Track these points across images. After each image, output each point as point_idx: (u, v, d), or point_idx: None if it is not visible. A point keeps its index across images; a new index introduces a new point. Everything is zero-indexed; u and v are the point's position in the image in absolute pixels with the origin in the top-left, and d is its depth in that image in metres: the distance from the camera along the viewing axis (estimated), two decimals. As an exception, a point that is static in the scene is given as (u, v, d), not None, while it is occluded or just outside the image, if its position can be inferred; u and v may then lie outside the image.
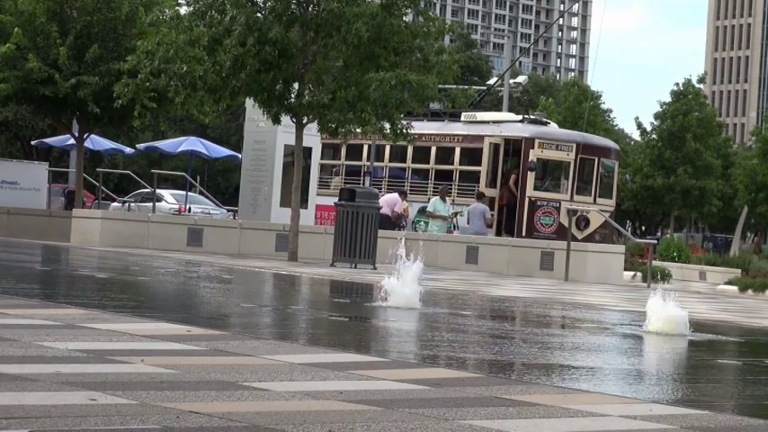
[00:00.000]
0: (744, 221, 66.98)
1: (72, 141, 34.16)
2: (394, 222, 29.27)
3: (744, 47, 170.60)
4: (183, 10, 25.08)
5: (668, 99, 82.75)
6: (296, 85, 23.99)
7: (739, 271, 36.53)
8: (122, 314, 9.41)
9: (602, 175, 34.82)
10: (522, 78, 60.53)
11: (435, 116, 35.82)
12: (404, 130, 24.31)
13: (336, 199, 23.66)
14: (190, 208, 36.94)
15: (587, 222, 33.58)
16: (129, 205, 38.70)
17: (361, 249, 22.26)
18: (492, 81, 61.41)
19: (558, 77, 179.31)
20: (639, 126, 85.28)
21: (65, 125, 32.85)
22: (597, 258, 26.82)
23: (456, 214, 31.75)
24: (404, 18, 23.84)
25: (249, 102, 26.68)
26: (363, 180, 35.60)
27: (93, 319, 8.71)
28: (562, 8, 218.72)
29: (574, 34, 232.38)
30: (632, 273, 32.04)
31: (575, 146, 34.24)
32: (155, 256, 21.99)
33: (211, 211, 37.12)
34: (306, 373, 6.50)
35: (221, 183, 75.46)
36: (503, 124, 34.95)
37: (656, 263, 32.32)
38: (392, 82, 22.57)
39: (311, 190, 30.07)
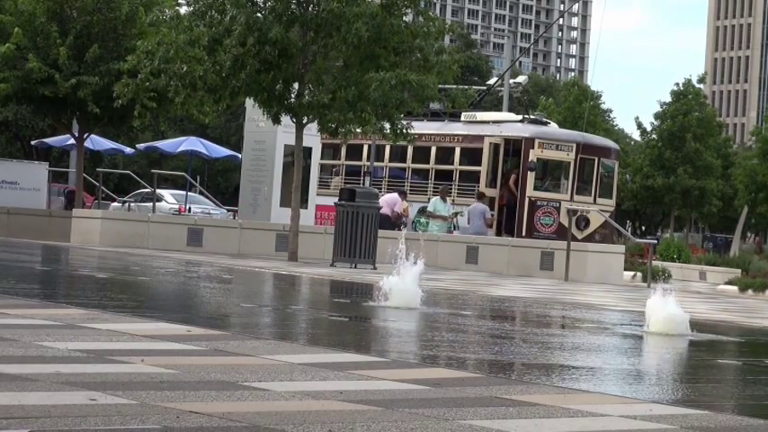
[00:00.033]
0: (744, 221, 66.99)
1: (72, 141, 34.16)
2: (394, 222, 29.26)
3: (744, 47, 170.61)
4: (183, 10, 25.09)
5: (668, 99, 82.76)
6: (296, 85, 23.99)
7: (739, 271, 36.53)
8: (122, 314, 9.41)
9: (602, 175, 34.82)
10: (522, 78, 60.51)
11: (435, 116, 35.81)
12: (404, 130, 24.31)
13: (336, 199, 23.66)
14: (190, 208, 36.95)
15: (587, 222, 33.58)
16: (129, 205, 38.70)
17: (361, 249, 22.26)
18: (492, 81, 61.41)
19: (558, 77, 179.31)
20: (639, 126, 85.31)
21: (65, 125, 32.84)
22: (597, 258, 26.82)
23: (456, 214, 31.75)
24: (404, 18, 23.84)
25: (249, 102, 26.68)
26: (363, 180, 35.60)
27: (93, 319, 8.71)
28: (562, 8, 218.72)
29: (574, 34, 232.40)
30: (632, 273, 32.05)
31: (575, 146, 34.24)
32: (155, 256, 21.99)
33: (211, 211, 37.13)
34: (306, 373, 6.50)
35: (221, 183, 75.46)
36: (503, 124, 34.95)
37: (656, 263, 32.31)
38: (392, 82, 22.57)
39: (311, 190, 30.07)
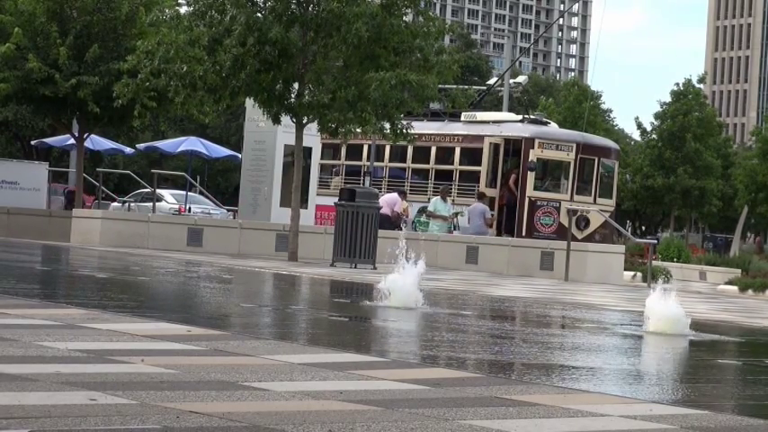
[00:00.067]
0: (744, 221, 67.02)
1: (72, 141, 34.16)
2: (394, 222, 29.27)
3: (744, 47, 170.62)
4: (183, 10, 25.09)
5: (668, 99, 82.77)
6: (296, 85, 23.99)
7: (739, 271, 36.54)
8: (122, 314, 9.41)
9: (602, 175, 34.82)
10: (522, 78, 60.52)
11: (435, 116, 35.81)
12: (404, 130, 24.31)
13: (336, 199, 23.66)
14: (190, 208, 36.95)
15: (587, 222, 33.58)
16: (129, 205, 38.70)
17: (361, 249, 22.26)
18: (492, 81, 61.41)
19: (558, 77, 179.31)
20: (639, 126, 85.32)
21: (65, 125, 32.84)
22: (597, 258, 26.82)
23: (457, 214, 31.75)
24: (404, 18, 23.83)
25: (249, 102, 26.68)
26: (363, 180, 35.60)
27: (94, 319, 8.71)
28: (562, 8, 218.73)
29: (574, 34, 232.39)
30: (632, 273, 32.04)
31: (575, 146, 34.24)
32: (155, 256, 21.98)
33: (211, 211, 37.13)
34: (306, 373, 6.50)
35: (221, 183, 75.47)
36: (503, 124, 34.95)
37: (656, 263, 32.31)
38: (392, 82, 22.56)
39: (311, 190, 30.07)
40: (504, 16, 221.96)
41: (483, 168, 33.97)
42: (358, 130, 24.46)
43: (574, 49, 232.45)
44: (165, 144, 45.16)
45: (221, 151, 44.63)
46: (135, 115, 26.54)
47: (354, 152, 36.66)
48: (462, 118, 35.59)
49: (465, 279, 22.06)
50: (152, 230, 26.11)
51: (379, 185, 34.75)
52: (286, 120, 24.92)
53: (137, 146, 46.38)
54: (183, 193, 39.72)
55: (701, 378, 8.49)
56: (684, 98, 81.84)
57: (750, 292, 29.60)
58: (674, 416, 5.87)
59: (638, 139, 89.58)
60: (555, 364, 8.34)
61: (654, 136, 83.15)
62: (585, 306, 15.97)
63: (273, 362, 6.92)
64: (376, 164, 36.55)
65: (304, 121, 24.35)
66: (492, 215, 32.06)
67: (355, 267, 21.92)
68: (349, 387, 6.11)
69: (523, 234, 32.48)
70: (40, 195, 32.25)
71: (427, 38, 23.87)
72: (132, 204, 38.70)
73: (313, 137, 28.09)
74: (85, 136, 32.47)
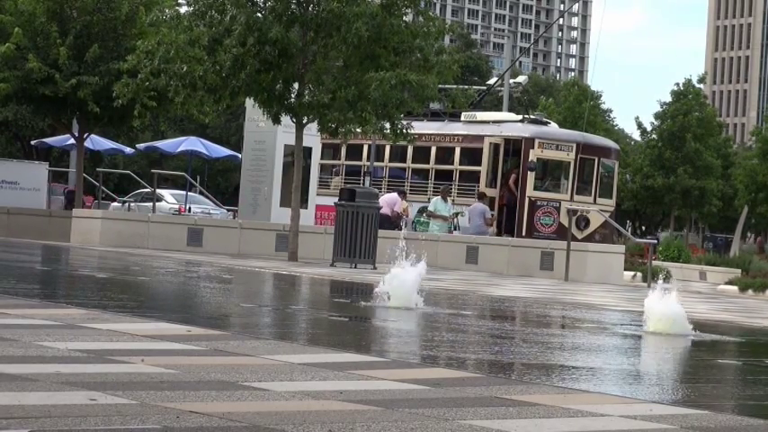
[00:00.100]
0: (744, 221, 67.00)
1: (72, 141, 34.16)
2: (393, 222, 29.27)
3: (744, 47, 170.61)
4: (183, 10, 25.09)
5: (668, 99, 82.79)
6: (296, 85, 23.99)
7: (739, 271, 36.53)
8: (122, 314, 9.41)
9: (602, 175, 34.82)
10: (522, 78, 60.51)
11: (435, 116, 35.82)
12: (404, 130, 24.31)
13: (336, 199, 23.66)
14: (190, 208, 36.95)
15: (587, 222, 33.58)
16: (129, 205, 38.70)
17: (361, 249, 22.26)
18: (492, 81, 61.41)
19: (558, 77, 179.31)
20: (639, 126, 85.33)
21: (65, 125, 32.84)
22: (597, 258, 26.83)
23: (457, 215, 31.75)
24: (404, 18, 23.83)
25: (249, 102, 26.68)
26: (363, 180, 35.60)
27: (94, 319, 8.71)
28: (562, 8, 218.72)
29: (574, 34, 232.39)
30: (632, 273, 32.04)
31: (575, 146, 34.24)
32: (155, 256, 21.98)
33: (211, 211, 37.13)
34: (306, 373, 6.50)
35: (221, 183, 75.48)
36: (503, 124, 34.95)
37: (656, 263, 32.31)
38: (392, 82, 22.57)
39: (311, 190, 30.07)
40: (504, 16, 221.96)
41: (483, 168, 33.97)
42: (358, 130, 24.46)
43: (574, 49, 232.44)
44: (165, 144, 45.15)
45: (221, 151, 44.63)
46: (135, 115, 26.53)
47: (354, 152, 36.66)
48: (462, 118, 35.59)
49: (465, 279, 22.06)
50: (152, 230, 26.11)
51: (379, 185, 34.75)
52: (286, 120, 24.92)
53: (137, 146, 46.38)
54: (183, 193, 39.72)
55: (701, 378, 8.49)
56: (684, 98, 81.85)
57: (750, 292, 29.60)
58: (674, 416, 5.87)
59: (638, 139, 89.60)
60: (555, 364, 8.34)
61: (654, 136, 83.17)
62: (585, 306, 15.97)
63: (273, 362, 6.92)
64: (376, 164, 36.55)
65: (304, 121, 24.36)
66: (492, 215, 32.06)
67: (355, 267, 21.92)
68: (349, 387, 6.11)
69: (523, 234, 32.48)
70: (40, 195, 32.25)
71: (427, 38, 23.87)
72: (132, 204, 38.71)
73: (313, 137, 28.09)
74: (85, 136, 32.47)
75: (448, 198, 31.75)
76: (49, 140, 44.84)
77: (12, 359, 6.36)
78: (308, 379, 6.27)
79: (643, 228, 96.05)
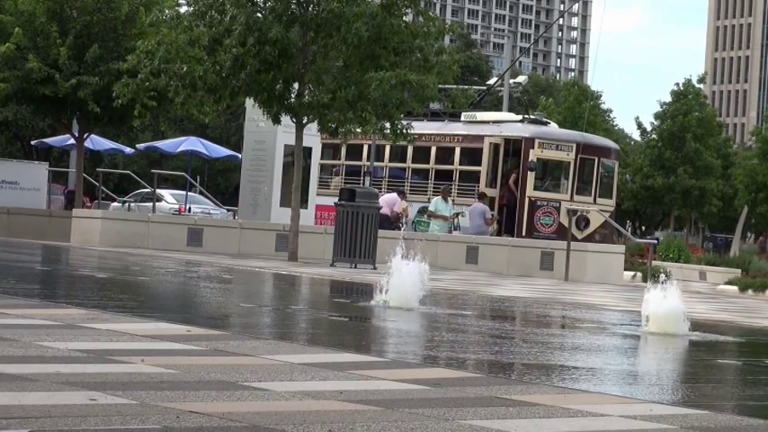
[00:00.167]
0: (744, 221, 66.98)
1: (72, 141, 34.16)
2: (393, 222, 29.28)
3: (744, 47, 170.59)
4: (183, 10, 25.09)
5: (668, 99, 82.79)
6: (296, 85, 23.99)
7: (739, 271, 36.52)
8: (122, 314, 9.41)
9: (602, 175, 34.81)
10: (522, 78, 60.52)
11: (435, 116, 35.82)
12: (404, 130, 24.31)
13: (336, 199, 23.66)
14: (190, 208, 36.94)
15: (587, 222, 33.58)
16: (128, 205, 38.69)
17: (361, 249, 22.26)
18: (492, 81, 61.41)
19: (558, 77, 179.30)
20: (639, 126, 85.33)
21: (65, 125, 32.85)
22: (597, 258, 26.83)
23: (457, 215, 31.75)
24: (404, 18, 23.84)
25: (249, 102, 26.68)
26: (363, 180, 35.60)
27: (93, 319, 8.71)
28: (562, 8, 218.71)
29: (574, 34, 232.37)
30: (632, 273, 32.04)
31: (575, 146, 34.23)
32: (155, 256, 21.99)
33: (211, 211, 37.12)
34: (306, 373, 6.50)
35: (221, 183, 75.47)
36: (503, 124, 34.95)
37: (655, 263, 32.31)
38: (392, 82, 22.57)
39: (311, 190, 30.07)
40: (504, 16, 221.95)
41: (483, 168, 33.97)
42: (358, 130, 24.47)
43: (574, 49, 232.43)
44: (165, 144, 45.15)
45: (221, 151, 44.63)
46: (135, 115, 26.55)
47: (354, 152, 36.66)
48: (462, 118, 35.59)
49: (465, 279, 22.06)
50: (152, 230, 26.11)
51: (379, 185, 34.75)
52: (286, 120, 24.93)
53: (137, 146, 46.37)
54: (183, 193, 39.70)
55: (700, 378, 8.49)
56: (684, 98, 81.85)
57: (750, 292, 29.59)
58: (673, 416, 5.87)
59: (638, 139, 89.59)
60: (555, 364, 8.34)
61: (654, 136, 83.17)
62: (585, 306, 15.98)
63: (273, 362, 6.92)
64: (376, 164, 36.55)
65: (304, 121, 24.36)
66: (492, 215, 32.06)
67: (355, 267, 21.92)
68: (349, 387, 6.11)
69: (523, 234, 32.48)
70: (40, 195, 32.25)
71: (427, 38, 23.87)
72: (132, 204, 38.69)
73: (313, 137, 28.09)
74: (85, 136, 32.47)
75: (448, 198, 31.75)
76: (49, 140, 44.84)
77: (12, 359, 6.36)
78: (308, 379, 6.27)
79: (643, 228, 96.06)
